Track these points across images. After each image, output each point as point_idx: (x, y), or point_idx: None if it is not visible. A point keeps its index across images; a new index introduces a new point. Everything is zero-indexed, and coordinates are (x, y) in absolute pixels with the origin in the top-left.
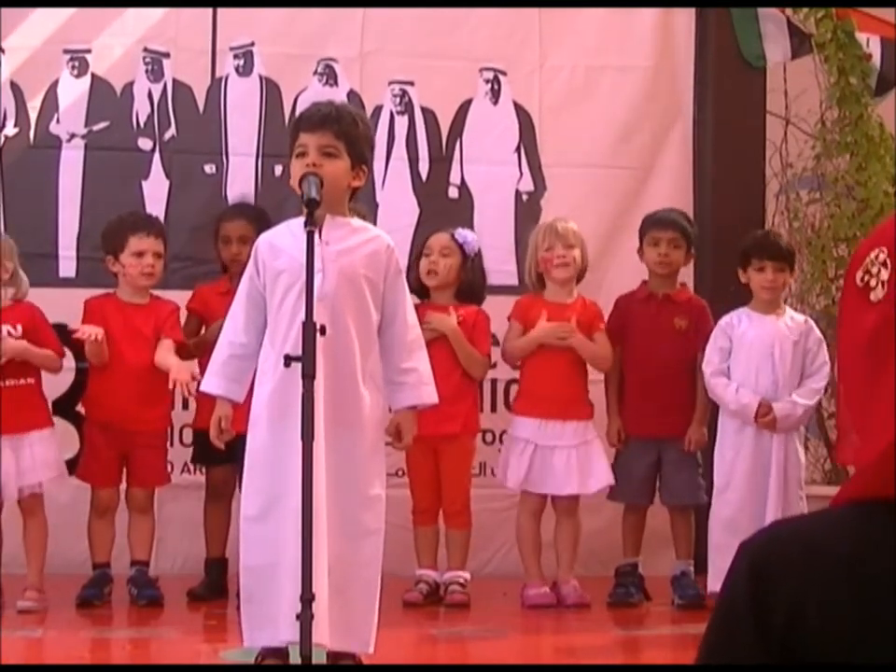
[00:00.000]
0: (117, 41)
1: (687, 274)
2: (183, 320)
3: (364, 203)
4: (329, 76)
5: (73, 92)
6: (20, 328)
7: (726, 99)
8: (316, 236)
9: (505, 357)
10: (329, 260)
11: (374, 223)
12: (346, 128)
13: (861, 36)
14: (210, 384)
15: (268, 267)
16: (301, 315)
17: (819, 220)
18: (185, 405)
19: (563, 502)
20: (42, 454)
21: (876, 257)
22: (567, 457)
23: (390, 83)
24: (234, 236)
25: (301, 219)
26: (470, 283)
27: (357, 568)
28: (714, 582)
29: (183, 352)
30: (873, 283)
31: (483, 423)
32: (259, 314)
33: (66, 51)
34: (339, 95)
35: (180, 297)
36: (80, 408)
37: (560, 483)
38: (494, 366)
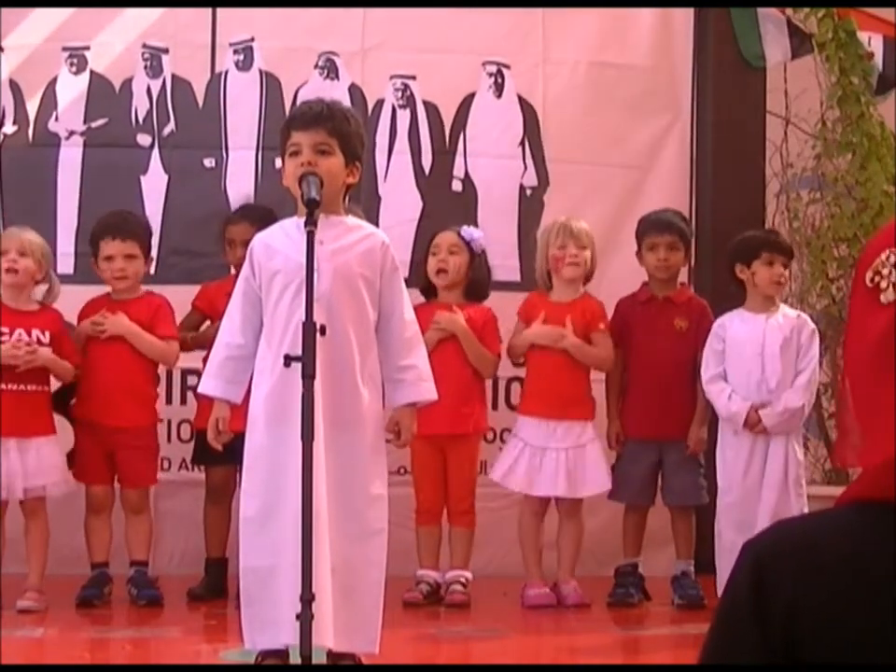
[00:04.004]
0: (116, 38)
1: (686, 274)
2: (186, 315)
3: (367, 197)
4: (331, 69)
5: (72, 90)
6: (48, 334)
7: (726, 99)
8: None
9: (508, 353)
10: (324, 260)
11: (377, 217)
12: (339, 125)
13: (863, 35)
14: (208, 385)
15: (263, 268)
16: (298, 315)
17: (819, 220)
18: (183, 400)
19: (566, 504)
20: (47, 457)
21: (887, 258)
22: (561, 459)
23: (392, 77)
24: (238, 240)
25: (295, 219)
26: (478, 281)
27: (362, 569)
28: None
29: (183, 346)
30: (883, 284)
31: None
32: (256, 314)
33: (65, 49)
34: (340, 89)
35: (179, 291)
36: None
37: (549, 484)
38: None
